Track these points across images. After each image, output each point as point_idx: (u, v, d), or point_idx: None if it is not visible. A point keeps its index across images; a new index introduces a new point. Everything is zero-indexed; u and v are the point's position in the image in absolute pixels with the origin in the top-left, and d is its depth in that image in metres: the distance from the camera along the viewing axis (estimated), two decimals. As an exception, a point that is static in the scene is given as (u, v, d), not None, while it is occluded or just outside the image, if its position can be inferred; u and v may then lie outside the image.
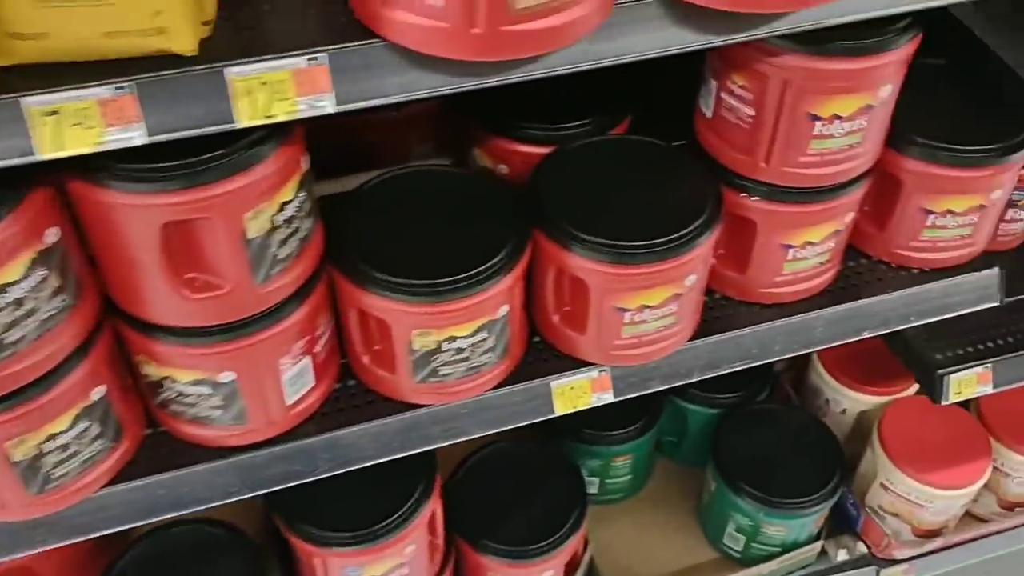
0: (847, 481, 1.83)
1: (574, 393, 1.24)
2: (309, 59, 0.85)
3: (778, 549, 1.75)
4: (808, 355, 1.90)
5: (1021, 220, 1.46)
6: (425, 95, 0.89)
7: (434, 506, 1.42)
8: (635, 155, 1.26)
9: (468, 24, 0.82)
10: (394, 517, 1.34)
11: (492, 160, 1.33)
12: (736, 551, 1.80)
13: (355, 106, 0.87)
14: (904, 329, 1.41)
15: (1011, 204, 1.41)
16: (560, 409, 1.24)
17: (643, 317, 1.17)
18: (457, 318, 1.10)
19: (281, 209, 1.00)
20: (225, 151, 0.91)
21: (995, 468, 1.77)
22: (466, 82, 0.89)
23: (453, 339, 1.13)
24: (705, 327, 1.26)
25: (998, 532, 1.85)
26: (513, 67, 0.89)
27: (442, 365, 1.15)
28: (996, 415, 1.78)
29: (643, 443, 1.81)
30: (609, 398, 1.24)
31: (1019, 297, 1.48)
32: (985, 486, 1.80)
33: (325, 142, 1.11)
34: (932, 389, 1.50)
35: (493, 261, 1.09)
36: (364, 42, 0.85)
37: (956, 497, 1.70)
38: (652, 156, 1.26)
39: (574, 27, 0.86)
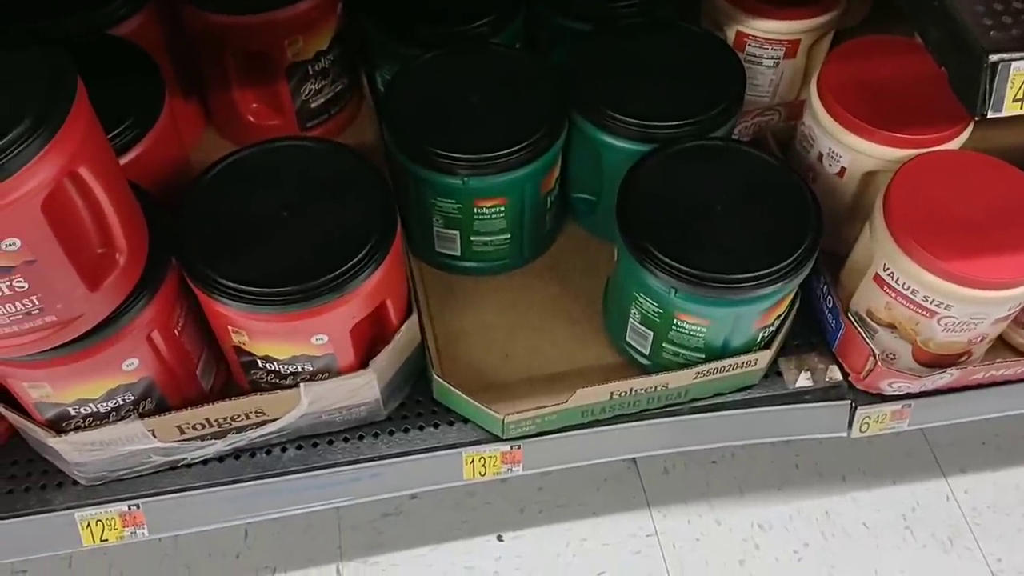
0: (823, 271, 1.22)
1: None
2: None
3: (699, 356, 1.16)
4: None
5: None
6: None
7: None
8: None
9: None
10: None
11: None
12: (642, 354, 1.21)
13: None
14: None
15: None
16: None
17: None
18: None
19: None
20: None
21: (1062, 271, 1.13)
22: None
23: None
24: None
25: (1050, 376, 1.23)
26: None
27: None
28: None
29: (525, 179, 1.20)
30: None
31: None
32: (1040, 300, 1.17)
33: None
34: (972, 88, 0.85)
35: None
36: None
37: (991, 302, 1.07)
38: None
39: None
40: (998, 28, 0.86)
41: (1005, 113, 0.85)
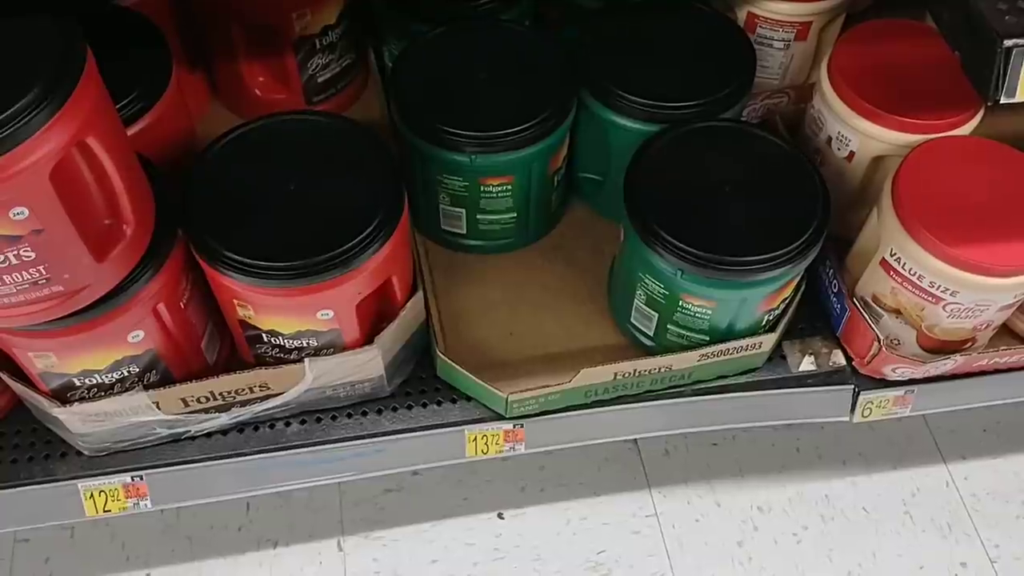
0: (829, 255, 1.21)
1: None
2: None
3: (704, 338, 1.17)
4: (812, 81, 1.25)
5: None
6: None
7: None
8: None
9: None
10: None
11: None
12: (647, 335, 1.21)
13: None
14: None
15: None
16: None
17: None
18: None
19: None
20: None
21: (1070, 260, 1.13)
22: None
23: None
24: None
25: (1053, 364, 1.23)
26: None
27: None
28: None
29: (532, 158, 1.20)
30: None
31: None
32: (1047, 288, 1.17)
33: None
34: (985, 73, 0.85)
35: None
36: None
37: (997, 289, 1.07)
38: None
39: None
40: (1013, 13, 0.86)
41: (1018, 99, 0.85)
